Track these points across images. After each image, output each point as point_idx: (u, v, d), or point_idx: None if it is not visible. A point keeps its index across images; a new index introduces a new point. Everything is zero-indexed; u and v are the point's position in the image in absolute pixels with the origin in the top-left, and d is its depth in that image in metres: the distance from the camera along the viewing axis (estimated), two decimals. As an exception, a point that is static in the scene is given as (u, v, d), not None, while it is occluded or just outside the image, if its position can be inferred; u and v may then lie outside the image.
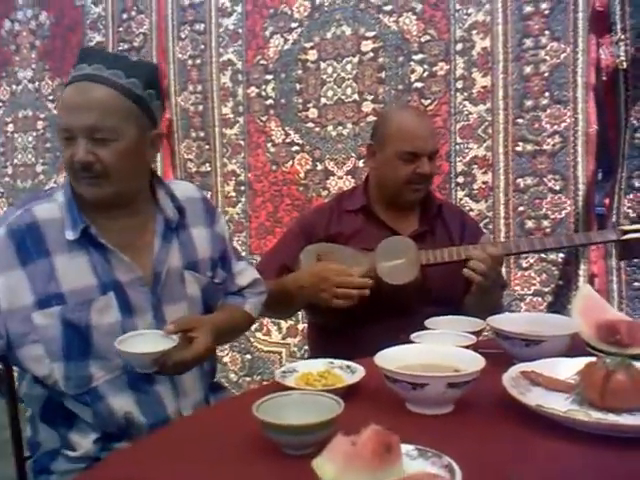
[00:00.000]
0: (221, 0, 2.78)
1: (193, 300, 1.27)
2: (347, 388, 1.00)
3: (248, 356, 2.82)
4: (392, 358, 0.99)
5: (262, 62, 2.71)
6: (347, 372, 1.06)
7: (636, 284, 2.04)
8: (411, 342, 1.17)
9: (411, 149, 1.60)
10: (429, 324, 1.31)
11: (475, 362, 0.97)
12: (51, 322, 1.12)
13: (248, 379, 2.84)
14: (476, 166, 2.29)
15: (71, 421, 1.19)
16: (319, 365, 1.08)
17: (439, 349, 1.06)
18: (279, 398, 0.86)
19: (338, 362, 1.09)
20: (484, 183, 2.28)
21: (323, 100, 2.58)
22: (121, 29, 3.07)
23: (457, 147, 2.32)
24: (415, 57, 2.38)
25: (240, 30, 2.75)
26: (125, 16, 3.05)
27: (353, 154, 2.54)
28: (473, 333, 1.21)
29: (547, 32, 2.14)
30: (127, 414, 1.17)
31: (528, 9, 2.17)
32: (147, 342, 1.08)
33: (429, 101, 2.36)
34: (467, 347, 1.10)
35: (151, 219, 1.25)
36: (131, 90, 1.14)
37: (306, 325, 2.01)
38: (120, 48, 3.07)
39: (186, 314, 1.24)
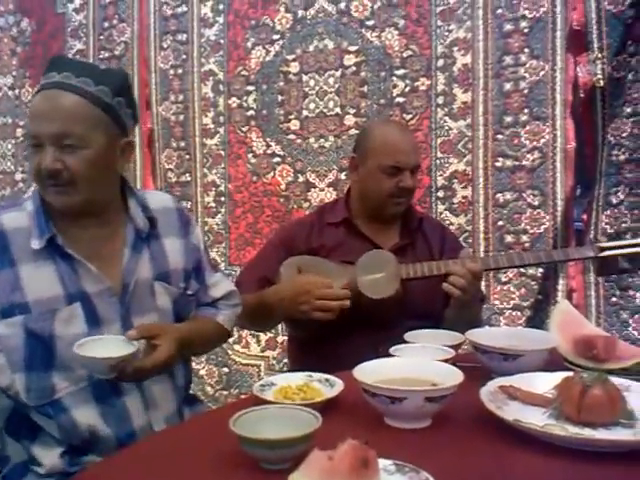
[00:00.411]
0: (203, 10, 2.78)
1: (164, 311, 1.25)
2: (326, 402, 0.99)
3: (225, 369, 2.79)
4: (371, 372, 0.99)
5: (243, 73, 2.71)
6: (326, 386, 1.05)
7: (613, 299, 2.06)
8: (390, 355, 1.16)
9: (394, 163, 1.61)
10: (408, 337, 1.31)
11: (453, 376, 0.97)
12: (14, 331, 1.11)
13: (225, 393, 2.80)
14: (456, 181, 2.31)
15: (35, 434, 1.16)
16: (298, 378, 1.07)
17: (418, 363, 1.06)
18: (256, 412, 0.85)
19: (317, 375, 1.08)
20: (464, 197, 2.30)
21: (305, 112, 2.59)
22: (102, 37, 3.05)
23: (438, 162, 2.34)
24: (397, 72, 2.40)
25: (222, 41, 2.75)
26: (106, 24, 3.04)
27: (335, 166, 2.54)
28: (452, 347, 1.21)
29: (526, 50, 2.18)
30: (91, 427, 1.15)
31: (508, 27, 2.21)
32: (108, 347, 1.06)
33: (410, 116, 2.38)
34: (446, 361, 1.10)
35: (121, 229, 1.24)
36: (100, 98, 1.14)
37: (286, 338, 2.00)
38: (101, 56, 3.05)
39: None
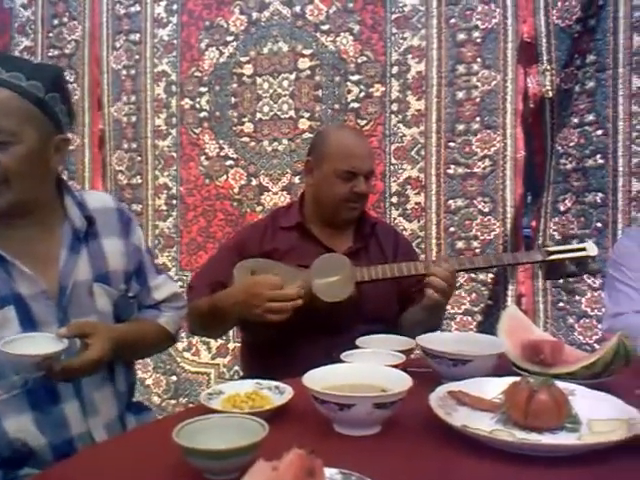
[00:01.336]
0: (157, 10, 2.74)
1: (103, 314, 1.22)
2: (275, 410, 0.97)
3: (174, 377, 2.73)
4: (320, 378, 0.97)
5: (197, 74, 2.67)
6: (275, 393, 1.03)
7: (561, 304, 2.12)
8: (342, 361, 1.15)
9: (349, 168, 1.61)
10: (360, 343, 1.30)
11: (402, 382, 0.96)
12: None
13: (173, 402, 2.74)
14: (410, 187, 2.33)
15: None
16: (247, 386, 1.04)
17: (367, 369, 1.05)
18: (201, 422, 0.82)
19: (266, 383, 1.06)
20: (417, 204, 2.32)
21: (259, 115, 2.57)
22: (51, 35, 2.96)
23: (392, 167, 2.36)
24: (352, 77, 2.41)
25: (175, 41, 2.71)
26: (56, 21, 2.95)
27: (289, 170, 2.53)
28: (403, 352, 1.20)
29: (479, 60, 2.22)
30: (22, 438, 1.09)
31: (461, 36, 2.24)
32: (38, 345, 1.01)
33: (365, 121, 2.39)
34: (396, 366, 1.09)
35: (58, 229, 1.20)
36: (31, 92, 1.10)
37: (237, 344, 1.97)
38: (50, 54, 2.96)
39: None
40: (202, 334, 2.25)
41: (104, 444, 1.07)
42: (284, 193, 2.55)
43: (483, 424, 0.93)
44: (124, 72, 2.81)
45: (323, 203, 1.67)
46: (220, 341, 2.62)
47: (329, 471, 0.70)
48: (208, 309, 1.54)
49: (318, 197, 1.68)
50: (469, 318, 2.24)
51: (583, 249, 1.54)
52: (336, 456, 0.74)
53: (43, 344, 1.02)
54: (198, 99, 2.67)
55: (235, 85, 2.60)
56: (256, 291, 1.47)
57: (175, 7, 2.69)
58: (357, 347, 1.27)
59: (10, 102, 1.07)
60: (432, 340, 1.22)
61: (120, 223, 1.30)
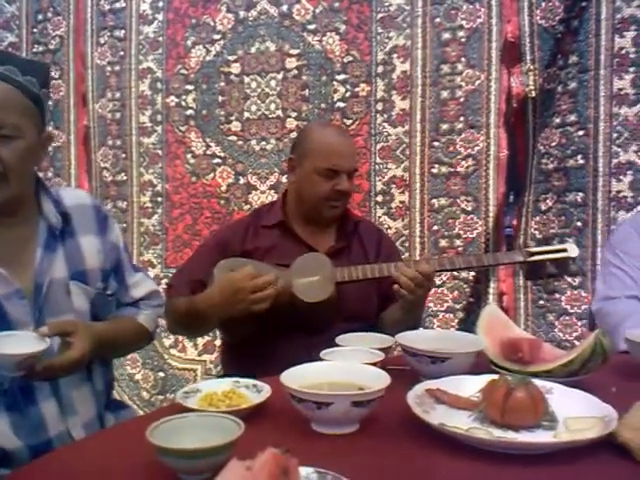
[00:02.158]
0: (142, 7, 2.72)
1: (80, 312, 1.21)
2: (252, 408, 0.97)
3: (161, 374, 2.73)
4: (298, 376, 0.97)
5: (182, 72, 2.66)
6: (253, 392, 1.02)
7: (541, 302, 2.14)
8: (322, 359, 1.15)
9: (331, 166, 1.60)
10: (339, 341, 1.30)
11: (380, 380, 0.96)
12: None
13: (161, 397, 2.74)
14: (394, 186, 2.34)
15: None
16: (224, 384, 1.04)
17: (345, 367, 1.05)
18: (176, 420, 0.81)
19: (244, 381, 1.05)
20: (401, 202, 2.33)
21: (246, 114, 2.56)
22: (36, 30, 2.93)
23: (377, 167, 2.36)
24: (338, 77, 2.41)
25: (160, 38, 2.70)
26: (40, 17, 2.92)
27: (276, 169, 2.53)
28: (382, 350, 1.21)
29: (463, 59, 2.23)
30: None
31: (446, 36, 2.25)
32: (19, 344, 1.00)
33: (351, 121, 2.39)
34: (375, 364, 1.10)
35: (34, 227, 1.18)
36: (28, 88, 1.10)
37: (223, 342, 1.96)
38: (34, 50, 2.93)
39: None
40: (181, 333, 2.24)
41: (79, 443, 1.07)
42: (272, 192, 2.55)
43: (461, 422, 0.93)
44: (109, 68, 2.80)
45: (305, 201, 1.67)
46: (207, 338, 2.62)
47: (305, 470, 0.70)
48: (186, 311, 1.54)
49: (300, 195, 1.68)
50: (451, 315, 2.25)
51: (564, 250, 1.55)
52: (313, 455, 0.74)
53: (23, 343, 1.01)
54: (184, 97, 2.66)
55: (222, 84, 2.60)
56: (237, 286, 1.47)
57: (161, 4, 2.68)
58: (337, 345, 1.27)
59: (11, 96, 1.07)
60: (411, 338, 1.22)
61: (97, 220, 1.29)
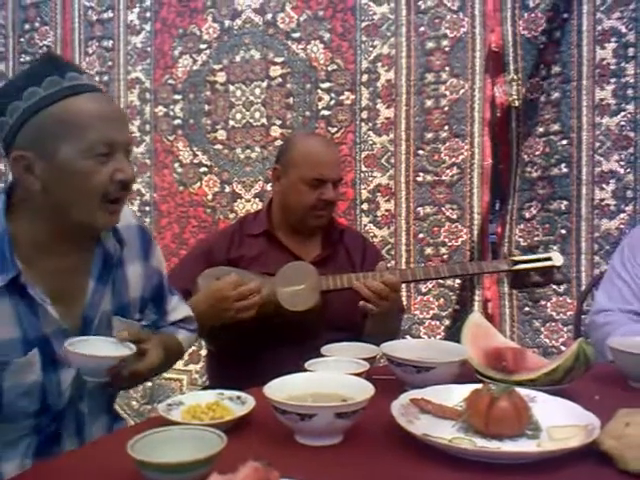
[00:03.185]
0: (130, 17, 2.72)
1: None
2: (236, 421, 0.96)
3: (149, 383, 2.71)
4: (282, 388, 0.97)
5: (170, 82, 2.66)
6: (237, 403, 1.02)
7: (527, 309, 2.15)
8: (307, 370, 1.15)
9: (317, 175, 1.61)
10: (325, 351, 1.30)
11: (364, 391, 0.96)
12: None
13: (149, 407, 2.72)
14: (380, 194, 2.35)
15: None
16: (208, 396, 1.03)
17: (329, 377, 1.05)
18: (158, 434, 0.80)
19: (228, 393, 1.04)
20: (387, 211, 2.34)
21: (232, 122, 2.56)
22: (23, 40, 2.92)
23: (362, 175, 2.37)
24: (322, 85, 2.42)
25: (148, 49, 2.69)
26: (27, 26, 2.91)
27: (261, 177, 2.53)
28: (367, 359, 1.21)
29: (447, 68, 2.25)
30: None
31: (430, 45, 2.27)
32: (101, 349, 0.95)
33: (336, 129, 2.40)
34: (360, 374, 1.10)
35: (89, 254, 1.08)
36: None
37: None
38: (22, 60, 2.93)
39: None
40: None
41: (63, 457, 1.05)
42: (257, 200, 2.55)
43: (445, 432, 0.93)
44: (97, 78, 2.79)
45: (290, 210, 1.67)
46: (193, 347, 2.60)
47: (286, 482, 0.70)
48: None
49: (286, 204, 1.68)
50: (437, 323, 2.26)
51: (549, 259, 1.56)
52: (296, 467, 0.74)
53: (105, 348, 0.97)
54: (172, 106, 2.66)
55: (209, 93, 2.60)
56: (222, 295, 1.47)
57: (148, 14, 2.68)
58: (322, 355, 1.27)
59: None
60: (396, 347, 1.22)
61: (141, 243, 1.18)
